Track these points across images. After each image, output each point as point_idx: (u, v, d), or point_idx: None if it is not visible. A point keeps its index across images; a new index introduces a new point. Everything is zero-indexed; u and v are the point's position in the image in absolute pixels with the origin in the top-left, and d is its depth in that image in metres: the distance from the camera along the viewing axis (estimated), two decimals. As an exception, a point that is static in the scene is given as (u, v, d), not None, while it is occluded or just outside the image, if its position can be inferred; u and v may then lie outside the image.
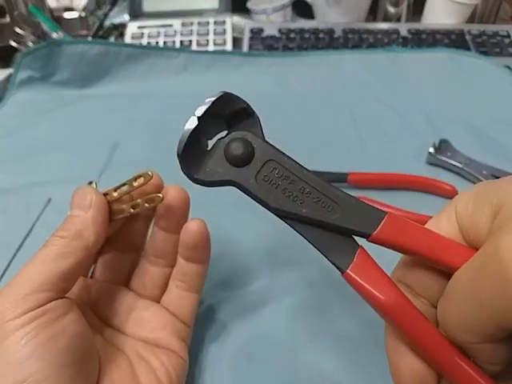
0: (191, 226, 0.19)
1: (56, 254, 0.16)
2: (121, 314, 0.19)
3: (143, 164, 0.33)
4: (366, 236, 0.13)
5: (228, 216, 0.28)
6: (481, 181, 0.30)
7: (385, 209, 0.14)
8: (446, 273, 0.14)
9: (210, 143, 0.15)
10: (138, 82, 0.41)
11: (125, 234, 0.20)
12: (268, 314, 0.23)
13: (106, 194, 0.18)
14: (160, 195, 0.17)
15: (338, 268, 0.13)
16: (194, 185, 0.14)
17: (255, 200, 0.14)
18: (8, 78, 0.41)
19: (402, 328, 0.13)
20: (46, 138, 0.36)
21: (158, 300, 0.20)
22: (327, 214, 0.13)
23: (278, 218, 0.14)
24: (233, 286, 0.24)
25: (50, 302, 0.15)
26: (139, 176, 0.17)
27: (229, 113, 0.14)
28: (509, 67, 0.41)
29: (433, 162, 0.32)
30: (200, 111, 0.14)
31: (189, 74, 0.42)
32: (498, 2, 0.54)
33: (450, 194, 0.29)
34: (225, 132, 0.15)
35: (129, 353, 0.18)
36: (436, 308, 0.14)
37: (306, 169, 0.13)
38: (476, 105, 0.37)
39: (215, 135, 0.14)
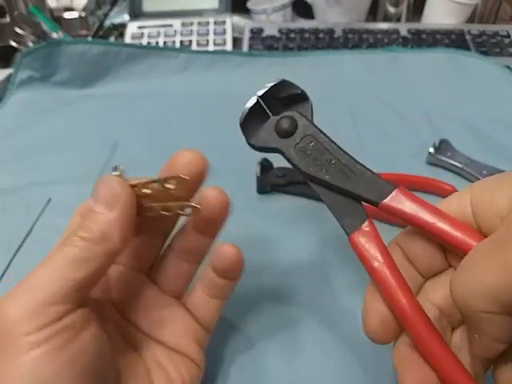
0: (225, 253, 0.17)
1: (76, 259, 0.14)
2: (142, 309, 0.18)
3: (143, 164, 0.33)
4: (375, 204, 0.15)
5: (229, 216, 0.28)
6: (481, 181, 0.30)
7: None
8: (441, 248, 0.15)
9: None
10: (138, 81, 0.41)
11: (152, 220, 0.18)
12: (269, 314, 0.23)
13: (133, 186, 0.16)
14: (198, 206, 0.16)
15: (345, 231, 0.16)
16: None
17: (291, 164, 0.17)
18: (8, 78, 0.41)
19: (385, 293, 0.14)
20: (45, 137, 0.36)
21: (179, 295, 0.19)
22: (345, 182, 0.16)
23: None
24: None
25: (68, 314, 0.13)
26: (171, 178, 0.15)
27: (285, 96, 0.17)
28: (509, 67, 0.41)
29: (433, 162, 0.32)
30: (260, 92, 0.17)
31: (189, 73, 0.42)
32: (498, 2, 0.54)
33: (449, 194, 0.29)
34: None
35: (148, 359, 0.17)
36: (423, 277, 0.16)
37: (336, 144, 0.16)
38: (476, 105, 0.37)
39: (276, 113, 0.17)
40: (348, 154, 0.16)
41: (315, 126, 0.17)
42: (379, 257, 0.15)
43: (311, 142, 0.17)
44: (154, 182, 0.16)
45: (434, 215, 0.14)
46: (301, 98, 0.17)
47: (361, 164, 0.16)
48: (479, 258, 0.13)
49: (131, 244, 0.18)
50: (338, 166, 0.16)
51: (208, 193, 0.17)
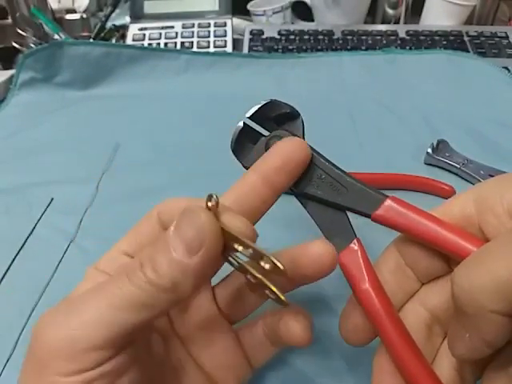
0: (292, 331, 0.15)
1: (137, 303, 0.12)
2: (194, 326, 0.16)
3: (145, 164, 0.33)
4: (368, 215, 0.15)
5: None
6: (479, 181, 0.30)
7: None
8: (441, 253, 0.15)
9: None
10: (139, 83, 0.42)
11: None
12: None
13: (222, 230, 0.13)
14: (286, 302, 0.13)
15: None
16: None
17: None
18: (10, 79, 0.41)
19: (369, 314, 0.15)
20: (48, 138, 0.36)
21: (234, 321, 0.17)
22: (336, 196, 0.16)
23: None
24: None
25: (110, 360, 0.12)
26: (266, 256, 0.12)
27: (274, 115, 0.17)
28: (507, 68, 0.41)
29: (431, 162, 0.32)
30: (248, 113, 0.17)
31: (189, 75, 0.42)
32: (496, 4, 0.54)
33: (447, 194, 0.29)
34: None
35: (184, 382, 0.16)
36: (420, 282, 0.15)
37: (325, 158, 0.16)
38: (474, 106, 0.38)
39: (262, 135, 0.17)
40: (337, 168, 0.16)
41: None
42: (364, 277, 0.15)
43: None
44: (250, 246, 0.12)
45: (428, 223, 0.14)
46: (292, 115, 0.17)
47: (350, 176, 0.16)
48: (492, 251, 0.12)
49: None
50: (328, 181, 0.16)
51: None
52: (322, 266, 0.14)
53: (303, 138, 0.17)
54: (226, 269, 0.16)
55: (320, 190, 0.16)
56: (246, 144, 0.17)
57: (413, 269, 0.15)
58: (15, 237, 0.27)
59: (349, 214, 0.16)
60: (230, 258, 0.14)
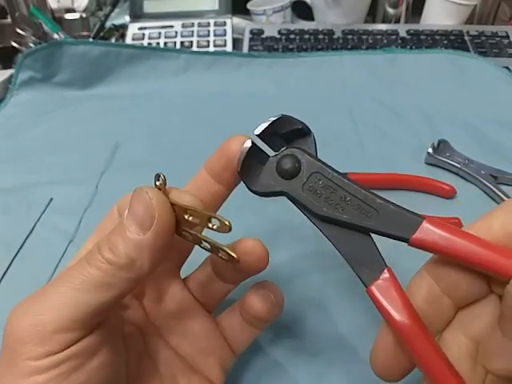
0: (254, 306, 0.16)
1: (97, 284, 0.13)
2: (171, 316, 0.17)
3: (144, 164, 0.33)
4: (405, 240, 0.14)
5: (228, 216, 0.28)
6: (479, 181, 0.30)
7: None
8: (481, 275, 0.13)
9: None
10: (138, 82, 0.42)
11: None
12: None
13: (172, 205, 0.14)
14: (235, 257, 0.14)
15: (362, 282, 0.14)
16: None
17: (301, 208, 0.15)
18: (9, 79, 0.41)
19: (412, 350, 0.13)
20: (47, 138, 0.36)
21: (210, 309, 0.18)
22: (366, 220, 0.14)
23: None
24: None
25: (78, 341, 0.12)
26: (213, 217, 0.14)
27: (285, 132, 0.16)
28: (507, 68, 0.41)
29: (431, 162, 0.32)
30: (258, 130, 0.15)
31: (189, 74, 0.42)
32: (497, 3, 0.54)
33: (448, 194, 0.29)
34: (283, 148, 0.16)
35: (163, 372, 0.16)
36: (457, 309, 0.14)
37: (347, 178, 0.15)
38: (475, 105, 0.37)
39: (276, 150, 0.16)
40: (363, 188, 0.15)
41: (320, 161, 0.15)
42: (401, 311, 0.13)
43: (319, 180, 0.15)
44: (198, 212, 0.14)
45: (468, 243, 0.13)
46: (303, 132, 0.16)
47: (380, 197, 0.14)
48: None
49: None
50: (354, 203, 0.14)
51: (247, 242, 0.15)
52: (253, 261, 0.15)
53: (314, 153, 0.15)
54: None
55: (346, 213, 0.14)
56: (253, 165, 0.15)
57: (450, 294, 0.14)
58: (14, 237, 0.27)
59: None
60: (184, 233, 0.15)
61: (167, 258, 0.15)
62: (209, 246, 0.15)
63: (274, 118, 0.15)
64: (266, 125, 0.15)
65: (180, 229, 0.14)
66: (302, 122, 0.16)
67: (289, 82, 0.41)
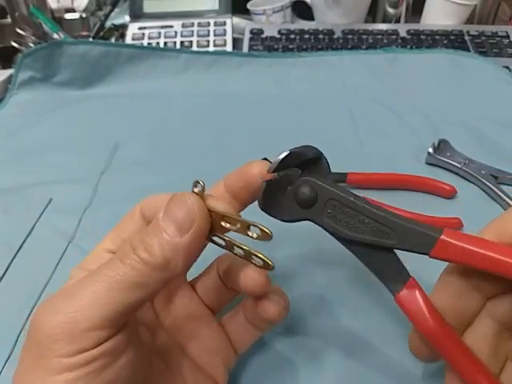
0: (268, 311, 0.16)
1: (132, 283, 0.13)
2: (179, 317, 0.17)
3: (144, 164, 0.33)
4: (425, 254, 0.15)
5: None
6: (480, 181, 0.30)
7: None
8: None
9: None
10: (138, 82, 0.42)
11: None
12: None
13: (210, 211, 0.14)
14: (271, 263, 0.14)
15: (390, 291, 0.15)
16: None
17: (327, 231, 0.16)
18: (9, 79, 0.41)
19: (444, 352, 0.14)
20: (47, 138, 0.36)
21: (216, 310, 0.18)
22: (385, 240, 0.15)
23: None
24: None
25: (109, 339, 0.13)
26: (253, 225, 0.14)
27: (299, 162, 0.16)
28: (508, 67, 0.41)
29: (432, 162, 0.32)
30: (271, 169, 0.16)
31: (189, 74, 0.42)
32: (497, 3, 0.54)
33: (449, 194, 0.29)
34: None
35: (174, 371, 0.16)
36: (486, 298, 0.15)
37: (361, 200, 0.15)
38: (475, 105, 0.37)
39: (293, 179, 0.16)
40: (377, 209, 0.15)
41: (334, 186, 0.16)
42: (427, 317, 0.14)
43: (336, 206, 0.16)
44: (237, 220, 0.14)
45: (486, 252, 0.13)
46: (314, 159, 0.16)
47: (394, 215, 0.15)
48: None
49: None
50: (372, 225, 0.15)
51: (250, 276, 0.15)
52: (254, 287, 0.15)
53: (329, 180, 0.16)
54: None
55: (366, 234, 0.15)
56: (274, 198, 0.16)
57: (477, 289, 0.15)
58: (14, 237, 0.27)
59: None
60: (215, 239, 0.15)
61: None
62: (242, 252, 0.15)
63: (284, 156, 0.15)
64: (276, 163, 0.15)
65: (211, 235, 0.15)
66: (311, 148, 0.16)
67: (289, 82, 0.41)
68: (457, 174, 0.31)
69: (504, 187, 0.29)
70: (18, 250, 0.27)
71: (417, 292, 0.15)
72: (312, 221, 0.16)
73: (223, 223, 0.14)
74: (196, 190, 0.14)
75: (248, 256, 0.15)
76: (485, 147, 0.33)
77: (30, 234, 0.28)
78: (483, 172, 0.30)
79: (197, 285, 0.18)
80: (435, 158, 0.32)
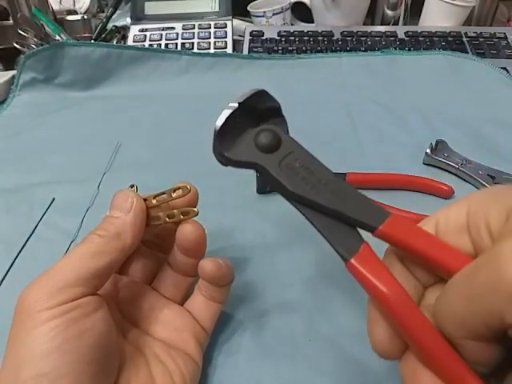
0: (206, 267, 0.19)
1: (93, 252, 0.16)
2: (143, 310, 0.19)
3: (145, 164, 0.33)
4: (372, 230, 0.14)
5: (228, 216, 0.28)
6: (477, 181, 0.30)
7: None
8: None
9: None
10: (140, 83, 0.42)
11: (157, 236, 0.21)
12: (270, 316, 0.23)
13: (145, 200, 0.18)
14: (195, 210, 0.18)
15: (341, 257, 0.14)
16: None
17: (274, 184, 0.15)
18: (11, 80, 0.42)
19: (399, 321, 0.13)
20: (49, 138, 0.37)
21: (180, 304, 0.20)
22: (340, 205, 0.14)
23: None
24: (233, 284, 0.24)
25: (83, 297, 0.15)
26: (178, 188, 0.18)
27: (262, 108, 0.16)
28: (505, 69, 0.42)
29: (430, 162, 0.32)
30: (240, 99, 0.15)
31: (190, 76, 0.42)
32: (495, 4, 0.54)
33: (446, 194, 0.29)
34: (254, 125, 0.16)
35: (147, 353, 0.18)
36: (423, 286, 0.15)
37: (324, 166, 0.15)
38: (473, 106, 0.38)
39: (252, 126, 0.16)
40: (336, 176, 0.15)
41: (299, 144, 0.15)
42: (388, 282, 0.13)
43: (297, 160, 0.15)
44: (163, 193, 0.18)
45: (428, 243, 0.14)
46: (276, 113, 0.16)
47: (352, 187, 0.15)
48: (452, 284, 0.13)
49: (136, 256, 0.20)
50: (329, 188, 0.14)
51: (186, 229, 0.18)
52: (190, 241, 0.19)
53: (288, 134, 0.16)
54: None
55: (321, 196, 0.14)
56: (230, 134, 0.15)
57: (414, 274, 0.15)
58: (17, 236, 0.28)
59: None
60: (154, 223, 0.19)
61: (140, 271, 0.20)
62: (175, 215, 0.18)
63: (255, 91, 0.15)
64: (247, 95, 0.15)
65: (151, 220, 0.19)
66: (278, 102, 0.16)
67: (288, 83, 0.42)
68: (454, 174, 0.31)
69: (501, 187, 0.29)
70: (21, 249, 0.27)
71: (370, 257, 0.14)
72: (262, 168, 0.15)
73: (154, 201, 0.18)
74: (132, 189, 0.19)
75: (182, 214, 0.18)
76: (482, 148, 0.33)
77: (33, 234, 0.28)
78: (480, 172, 0.30)
79: (156, 285, 0.21)
80: (433, 159, 0.32)
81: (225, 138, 0.15)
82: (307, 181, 0.14)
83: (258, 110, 0.16)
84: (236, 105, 0.15)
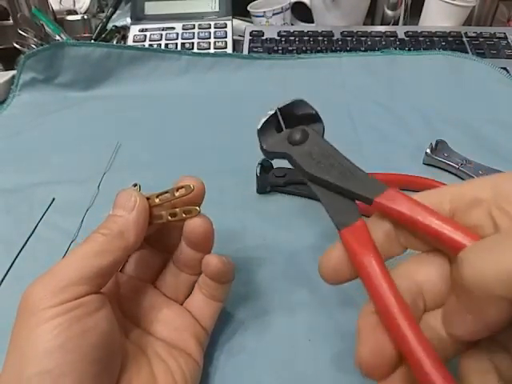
0: (211, 262, 0.19)
1: (97, 251, 0.16)
2: (144, 310, 0.20)
3: (146, 164, 0.33)
4: (369, 200, 0.16)
5: (228, 216, 0.28)
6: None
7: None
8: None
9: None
10: (140, 83, 0.42)
11: (160, 235, 0.20)
12: (271, 316, 0.23)
13: (148, 199, 0.19)
14: (197, 208, 0.18)
15: (336, 227, 0.16)
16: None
17: (296, 167, 0.18)
18: (11, 80, 0.42)
19: (368, 285, 0.15)
20: (49, 138, 0.37)
21: (180, 303, 0.21)
22: (343, 181, 0.17)
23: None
24: (234, 284, 0.24)
25: (86, 295, 0.15)
26: (181, 187, 0.18)
27: (300, 114, 0.19)
28: (505, 69, 0.42)
29: (430, 162, 0.32)
30: (279, 106, 0.19)
31: (190, 76, 0.43)
32: (495, 4, 0.54)
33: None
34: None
35: (148, 352, 0.18)
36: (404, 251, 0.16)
37: (343, 157, 0.18)
38: (473, 106, 0.38)
39: (286, 127, 0.19)
40: (350, 162, 0.18)
41: (326, 141, 0.18)
42: (367, 252, 0.15)
43: (318, 150, 0.18)
44: (166, 192, 0.18)
45: (427, 214, 0.15)
46: (314, 118, 0.19)
47: (360, 169, 0.17)
48: (504, 240, 0.12)
49: (139, 256, 0.20)
50: (339, 169, 0.17)
51: (194, 223, 0.18)
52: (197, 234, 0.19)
53: (321, 135, 0.19)
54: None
55: (329, 175, 0.17)
56: (270, 129, 0.19)
57: (399, 240, 0.16)
58: (16, 236, 0.28)
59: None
60: (156, 221, 0.19)
61: (142, 269, 0.20)
62: (177, 214, 0.18)
63: (293, 100, 0.19)
64: (286, 102, 0.19)
65: (154, 219, 0.19)
66: (315, 109, 0.19)
67: (288, 84, 0.42)
68: (454, 174, 0.31)
69: (501, 187, 0.29)
70: (21, 249, 0.27)
71: (362, 231, 0.15)
72: (288, 155, 0.18)
73: (157, 200, 0.18)
74: (134, 188, 0.19)
75: (184, 213, 0.18)
76: (482, 148, 0.33)
77: (33, 234, 0.28)
78: (480, 172, 0.30)
79: (158, 284, 0.21)
80: (433, 159, 0.32)
81: (264, 136, 0.19)
82: (321, 164, 0.17)
83: (296, 115, 0.19)
84: (272, 112, 0.19)
